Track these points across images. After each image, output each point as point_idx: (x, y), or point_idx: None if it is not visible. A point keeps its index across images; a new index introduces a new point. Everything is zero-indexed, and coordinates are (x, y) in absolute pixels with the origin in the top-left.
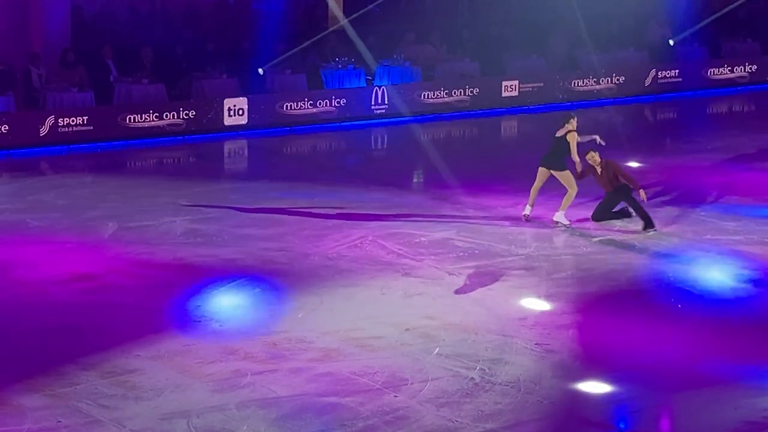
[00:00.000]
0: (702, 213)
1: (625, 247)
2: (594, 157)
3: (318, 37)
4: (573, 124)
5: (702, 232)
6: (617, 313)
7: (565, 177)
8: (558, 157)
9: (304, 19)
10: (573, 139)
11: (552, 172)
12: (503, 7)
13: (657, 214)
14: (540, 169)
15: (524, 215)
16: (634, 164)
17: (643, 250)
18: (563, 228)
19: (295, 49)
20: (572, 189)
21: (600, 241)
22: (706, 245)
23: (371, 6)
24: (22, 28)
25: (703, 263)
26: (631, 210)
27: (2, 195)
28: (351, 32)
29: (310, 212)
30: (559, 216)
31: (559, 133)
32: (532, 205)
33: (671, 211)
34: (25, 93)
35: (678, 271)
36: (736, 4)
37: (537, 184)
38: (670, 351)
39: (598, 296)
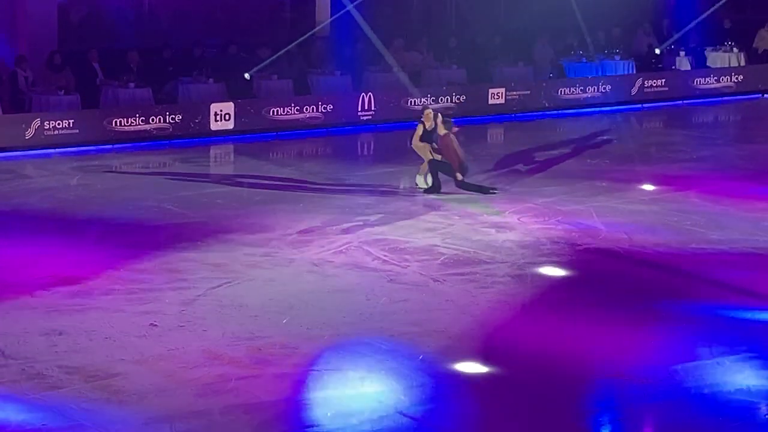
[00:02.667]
0: (687, 223)
1: (613, 255)
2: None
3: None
4: (428, 117)
5: (687, 242)
6: (605, 322)
7: (419, 148)
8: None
9: (291, 25)
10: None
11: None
12: (491, 15)
13: (642, 224)
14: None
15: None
16: (620, 173)
17: (630, 257)
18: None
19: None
20: (426, 158)
21: (586, 249)
22: (691, 254)
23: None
24: (9, 30)
25: (688, 273)
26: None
27: None
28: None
29: (296, 218)
30: (418, 179)
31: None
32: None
33: (656, 217)
34: (11, 95)
35: (659, 280)
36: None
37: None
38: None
39: (587, 303)
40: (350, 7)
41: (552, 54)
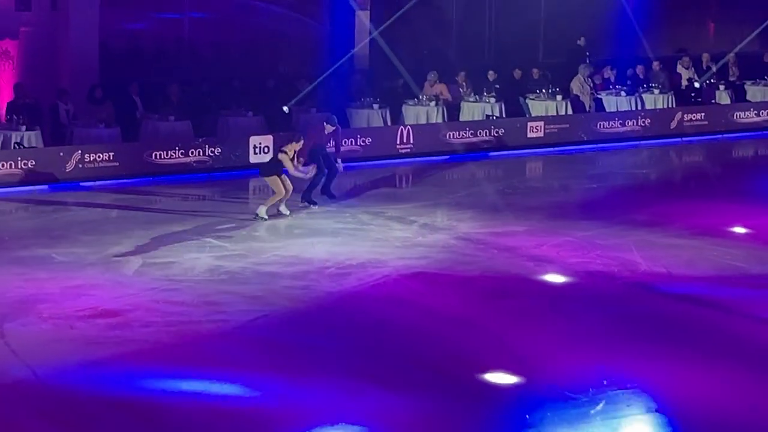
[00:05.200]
0: (727, 257)
1: (652, 289)
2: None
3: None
4: (290, 148)
5: (727, 276)
6: (643, 356)
7: (273, 181)
8: (269, 168)
9: (330, 58)
10: (284, 158)
11: (265, 179)
12: (528, 49)
13: (681, 259)
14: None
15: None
16: (659, 207)
17: (669, 292)
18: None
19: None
20: (279, 193)
21: (627, 283)
22: (731, 289)
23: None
24: (51, 64)
25: (729, 308)
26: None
27: (28, 230)
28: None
29: (334, 250)
30: (261, 209)
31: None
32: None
33: (696, 252)
34: (53, 128)
35: (699, 314)
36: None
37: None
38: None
39: (625, 337)
40: (382, 42)
41: (591, 87)
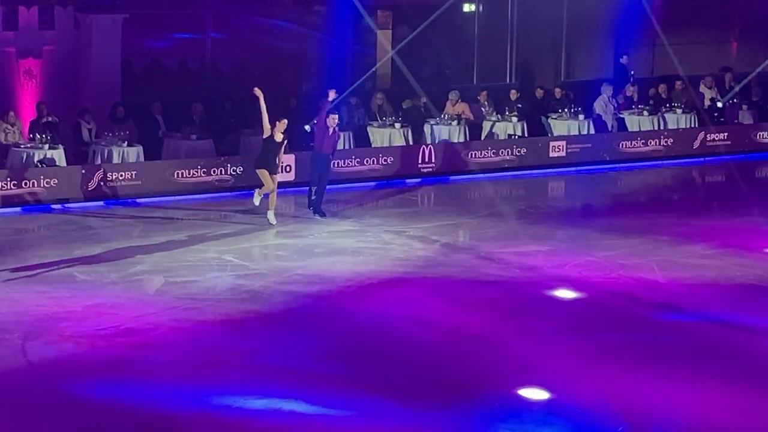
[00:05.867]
0: (751, 277)
1: (674, 310)
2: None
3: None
4: (282, 125)
5: (750, 297)
6: (666, 377)
7: (263, 175)
8: (261, 158)
9: (352, 77)
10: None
11: (257, 171)
12: (550, 68)
13: (704, 279)
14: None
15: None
16: (682, 227)
17: (691, 312)
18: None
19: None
20: (267, 185)
21: (649, 304)
22: (754, 310)
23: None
24: (73, 82)
25: (752, 330)
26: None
27: (50, 248)
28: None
29: (356, 269)
30: (270, 216)
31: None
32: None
33: (719, 272)
34: (75, 147)
35: (722, 335)
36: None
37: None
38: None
39: (647, 358)
40: (403, 62)
41: (614, 107)
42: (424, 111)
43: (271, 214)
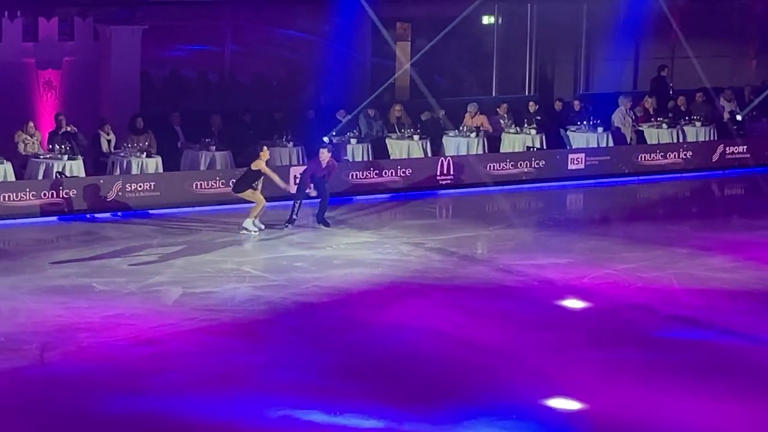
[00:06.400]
0: None
1: (693, 323)
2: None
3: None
4: (264, 155)
5: (766, 316)
6: (683, 390)
7: (248, 195)
8: (240, 183)
9: (371, 89)
10: (261, 165)
11: (240, 195)
12: (569, 80)
13: (722, 292)
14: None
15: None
16: (701, 240)
17: (710, 325)
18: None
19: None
20: (260, 202)
21: (668, 317)
22: None
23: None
24: (93, 93)
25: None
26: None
27: (69, 259)
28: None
29: (373, 281)
30: (248, 223)
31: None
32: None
33: (738, 285)
34: (94, 158)
35: (740, 349)
36: None
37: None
38: None
39: (665, 371)
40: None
41: (632, 119)
42: (442, 123)
43: (249, 222)
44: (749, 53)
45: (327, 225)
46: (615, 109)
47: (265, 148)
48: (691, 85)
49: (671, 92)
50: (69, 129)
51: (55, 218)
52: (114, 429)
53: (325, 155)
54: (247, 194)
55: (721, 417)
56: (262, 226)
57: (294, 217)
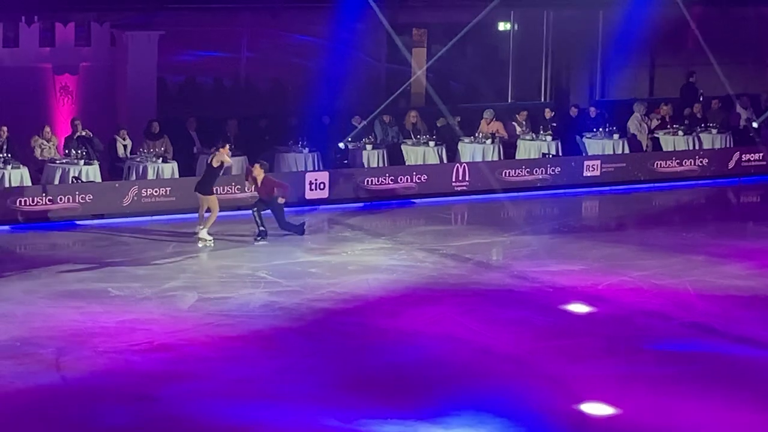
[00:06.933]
0: None
1: (708, 330)
2: (258, 170)
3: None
4: (224, 152)
5: None
6: (698, 398)
7: (211, 201)
8: (207, 184)
9: (387, 95)
10: (221, 157)
11: (200, 196)
12: (585, 86)
13: (738, 300)
14: (197, 194)
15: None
16: (716, 247)
17: (725, 333)
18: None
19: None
20: (215, 211)
21: (683, 324)
22: None
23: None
24: (109, 99)
25: None
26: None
27: (84, 263)
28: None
29: (389, 287)
30: (203, 233)
31: (212, 161)
32: (199, 225)
33: (753, 293)
34: (110, 163)
35: (756, 357)
36: None
37: (200, 209)
38: None
39: (680, 379)
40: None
41: (641, 125)
42: (458, 129)
43: (204, 232)
44: (765, 60)
45: (298, 232)
46: (630, 115)
47: (227, 145)
48: (707, 92)
49: (701, 99)
50: (85, 134)
51: (70, 223)
52: None
53: (257, 171)
54: (211, 200)
55: (738, 426)
56: (210, 240)
57: (261, 228)
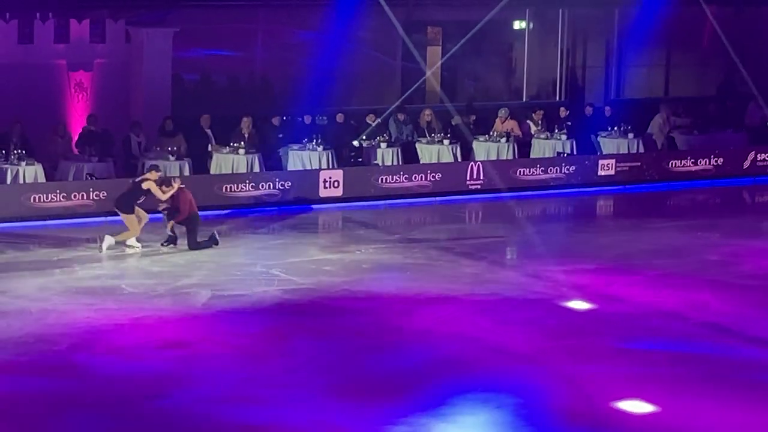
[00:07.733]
0: None
1: (722, 330)
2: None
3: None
4: (153, 175)
5: None
6: (713, 398)
7: (129, 220)
8: (128, 201)
9: (402, 93)
10: (150, 185)
11: (120, 213)
12: (600, 85)
13: (753, 300)
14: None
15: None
16: (731, 247)
17: (740, 333)
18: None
19: (387, 122)
20: (133, 231)
21: (697, 324)
22: None
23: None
24: (124, 96)
25: None
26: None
27: (98, 260)
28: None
29: (403, 286)
30: (108, 239)
31: (141, 181)
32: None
33: None
34: (124, 159)
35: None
36: None
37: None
38: None
39: (695, 379)
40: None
41: (664, 126)
42: (472, 128)
43: (112, 239)
44: None
45: (211, 245)
46: (647, 114)
47: (153, 171)
48: (720, 92)
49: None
50: (99, 131)
51: (85, 220)
52: (142, 430)
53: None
54: (130, 218)
55: (753, 426)
56: (138, 246)
57: (170, 234)
